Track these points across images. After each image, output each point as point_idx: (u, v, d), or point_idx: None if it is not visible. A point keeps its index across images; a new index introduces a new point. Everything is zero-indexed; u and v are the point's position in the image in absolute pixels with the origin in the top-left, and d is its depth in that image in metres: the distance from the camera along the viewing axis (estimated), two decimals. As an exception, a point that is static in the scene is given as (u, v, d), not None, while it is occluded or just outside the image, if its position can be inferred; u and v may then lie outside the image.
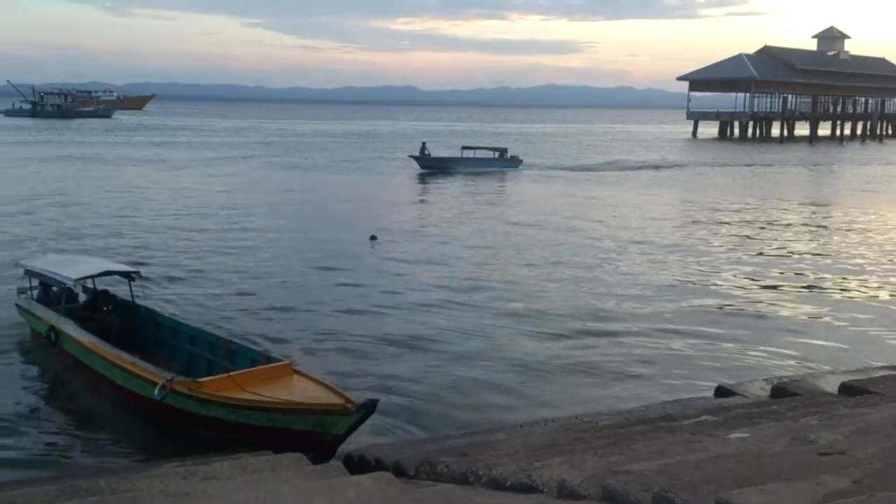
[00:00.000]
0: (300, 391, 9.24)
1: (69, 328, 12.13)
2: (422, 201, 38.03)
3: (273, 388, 9.18)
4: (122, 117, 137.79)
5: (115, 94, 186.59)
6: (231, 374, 9.70)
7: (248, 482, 6.77)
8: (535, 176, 49.96)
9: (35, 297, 13.93)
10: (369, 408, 8.45)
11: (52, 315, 12.76)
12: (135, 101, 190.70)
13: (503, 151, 52.79)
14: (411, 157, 52.12)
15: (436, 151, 54.03)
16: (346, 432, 8.57)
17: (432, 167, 50.00)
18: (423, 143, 53.20)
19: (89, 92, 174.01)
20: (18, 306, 14.19)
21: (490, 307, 17.00)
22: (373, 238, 25.05)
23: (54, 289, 13.69)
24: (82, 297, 14.16)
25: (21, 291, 14.34)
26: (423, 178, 47.14)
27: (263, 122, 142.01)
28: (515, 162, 52.65)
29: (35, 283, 14.08)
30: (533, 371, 12.94)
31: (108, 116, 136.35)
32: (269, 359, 10.56)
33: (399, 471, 6.94)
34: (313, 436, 8.56)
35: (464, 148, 52.38)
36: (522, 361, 13.41)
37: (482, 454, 6.86)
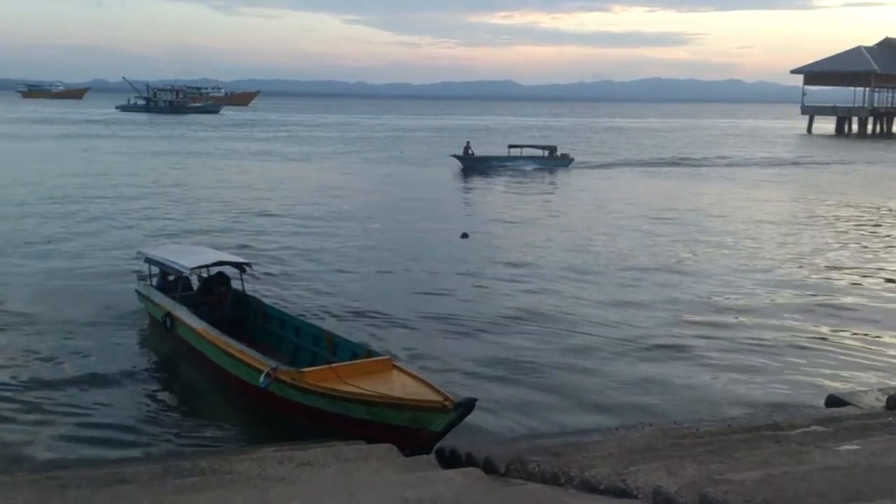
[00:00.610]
0: (399, 386, 9.36)
1: (184, 315, 12.76)
2: (499, 198, 37.63)
3: (373, 382, 9.36)
4: (229, 113, 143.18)
5: (222, 90, 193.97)
6: (333, 365, 9.96)
7: (341, 470, 6.93)
8: (596, 174, 48.92)
9: (154, 284, 14.72)
10: (467, 406, 8.47)
11: (169, 302, 13.45)
12: (241, 98, 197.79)
13: (553, 150, 52.01)
14: (454, 156, 51.44)
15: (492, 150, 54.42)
16: (443, 430, 8.62)
17: (474, 166, 49.53)
18: (467, 143, 52.79)
19: (199, 88, 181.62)
20: (138, 292, 15.05)
21: (589, 307, 16.82)
22: (464, 236, 25.11)
23: (171, 277, 14.40)
24: (197, 286, 14.87)
25: (141, 278, 15.21)
26: (466, 176, 46.65)
27: (363, 118, 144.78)
28: (566, 160, 51.56)
29: (154, 270, 14.86)
30: (630, 373, 12.73)
31: (217, 112, 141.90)
32: (370, 353, 10.78)
33: (489, 467, 6.94)
34: (410, 431, 8.66)
35: (511, 146, 51.81)
36: (619, 364, 13.22)
37: (575, 455, 6.79)
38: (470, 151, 50.49)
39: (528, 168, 48.99)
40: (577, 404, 11.43)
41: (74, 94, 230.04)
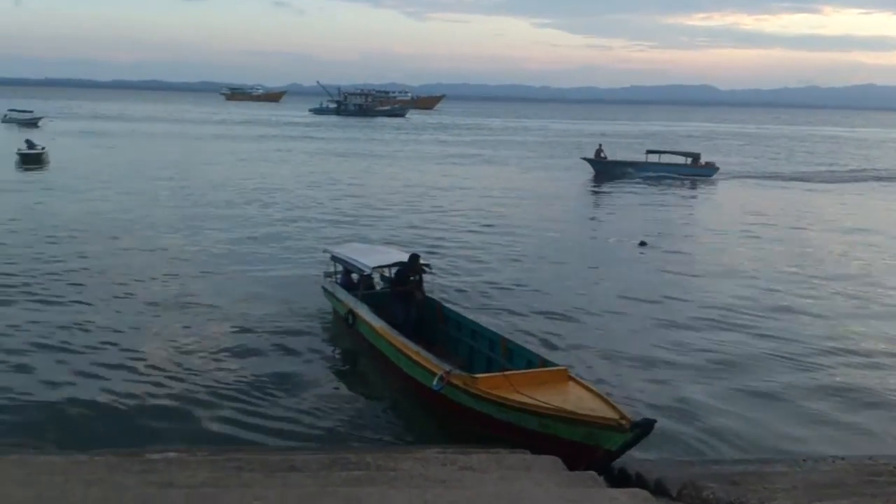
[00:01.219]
0: (574, 399, 9.19)
1: (365, 313, 13.31)
2: (650, 205, 36.17)
3: (546, 393, 9.23)
4: (414, 116, 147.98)
5: (409, 94, 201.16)
6: (506, 373, 9.97)
7: (503, 478, 6.92)
8: (752, 184, 45.73)
9: (338, 281, 15.46)
10: (645, 427, 8.14)
11: (352, 299, 14.09)
12: (426, 102, 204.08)
13: (696, 157, 49.23)
14: (584, 159, 49.89)
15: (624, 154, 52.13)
16: (618, 449, 8.35)
17: (607, 171, 47.75)
18: (599, 145, 50.90)
19: (387, 92, 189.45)
20: (324, 289, 15.89)
21: (776, 327, 15.85)
22: (642, 244, 24.40)
23: (354, 275, 15.04)
24: (379, 285, 15.47)
25: (327, 275, 16.05)
26: (598, 181, 45.31)
27: (547, 122, 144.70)
28: (710, 169, 48.70)
29: (339, 268, 15.61)
30: (822, 400, 11.83)
31: (403, 115, 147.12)
32: (545, 362, 10.69)
33: (660, 490, 6.67)
34: (583, 448, 8.47)
35: (648, 152, 49.66)
36: (808, 387, 12.37)
37: (755, 485, 6.38)
38: (602, 155, 49.18)
39: (667, 175, 47.11)
40: (757, 431, 10.76)
41: (272, 97, 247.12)
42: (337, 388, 12.37)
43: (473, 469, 7.31)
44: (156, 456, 8.40)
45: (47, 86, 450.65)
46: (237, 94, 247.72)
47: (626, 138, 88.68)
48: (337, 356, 14.12)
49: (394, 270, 15.10)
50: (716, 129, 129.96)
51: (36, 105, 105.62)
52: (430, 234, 25.94)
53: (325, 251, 16.56)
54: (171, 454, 8.57)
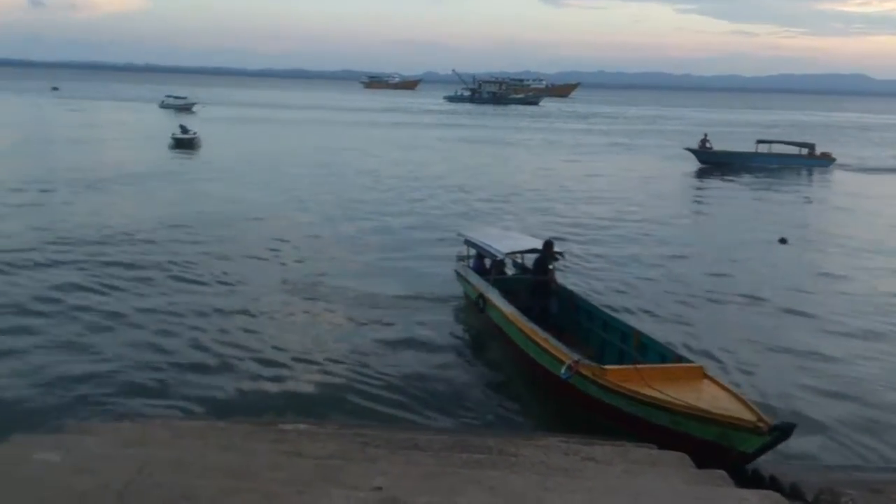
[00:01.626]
0: (708, 398, 8.88)
1: (495, 298, 13.33)
2: (771, 200, 33.96)
3: (679, 390, 8.97)
4: (548, 104, 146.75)
5: (543, 82, 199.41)
6: (638, 366, 9.75)
7: (627, 471, 6.77)
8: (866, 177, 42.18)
9: (471, 265, 15.59)
10: (784, 430, 7.78)
11: (483, 284, 14.16)
12: (561, 90, 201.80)
13: (811, 147, 45.89)
14: (688, 149, 47.14)
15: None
16: (754, 452, 8.03)
17: (713, 162, 45.15)
18: (705, 135, 47.94)
19: (521, 80, 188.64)
20: (456, 272, 16.09)
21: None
22: (782, 241, 23.17)
23: (486, 260, 15.12)
24: (510, 270, 15.42)
25: (460, 258, 16.20)
26: (703, 172, 42.85)
27: (686, 111, 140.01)
28: (827, 160, 45.42)
29: (472, 252, 15.74)
30: None
31: (536, 103, 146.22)
32: (679, 358, 10.40)
33: (795, 494, 6.35)
34: (716, 448, 8.19)
35: (759, 142, 46.51)
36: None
37: (902, 496, 5.95)
38: (708, 145, 46.64)
39: (779, 167, 44.45)
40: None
41: (408, 85, 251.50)
42: (463, 372, 12.48)
43: (596, 460, 7.19)
44: (288, 427, 8.76)
45: (200, 74, 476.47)
46: (375, 82, 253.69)
47: (767, 128, 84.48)
48: (465, 340, 14.23)
49: (526, 257, 15.10)
50: (864, 119, 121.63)
51: (190, 92, 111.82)
52: (558, 221, 25.69)
53: (458, 235, 16.69)
54: (302, 426, 8.91)
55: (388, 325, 14.39)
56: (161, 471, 5.76)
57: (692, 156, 46.30)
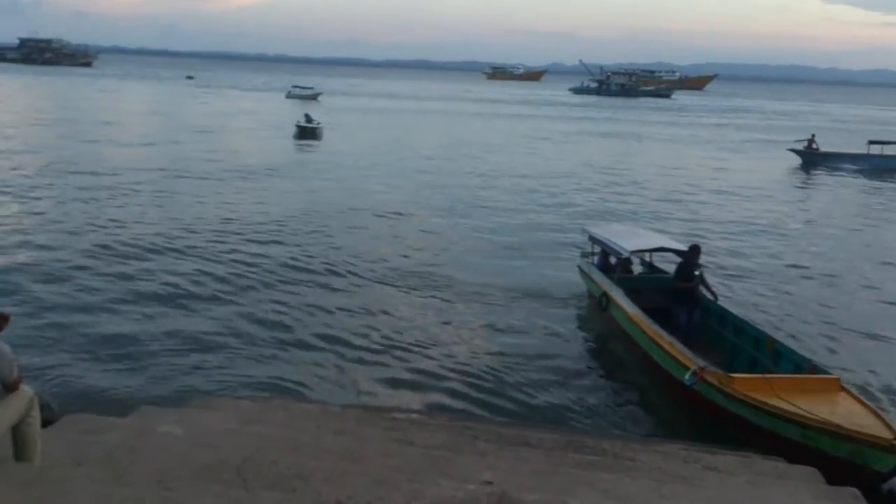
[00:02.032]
0: (843, 412, 8.50)
1: (619, 297, 13.11)
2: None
3: (812, 402, 8.61)
4: (680, 97, 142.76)
5: (677, 74, 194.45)
6: (768, 376, 9.43)
7: (751, 483, 6.53)
8: None
9: (595, 262, 15.40)
10: None
11: (607, 282, 13.94)
12: (695, 82, 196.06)
13: None
14: (792, 150, 44.27)
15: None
16: (890, 471, 7.72)
17: (817, 162, 42.34)
18: (812, 136, 44.61)
19: (652, 72, 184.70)
20: (580, 268, 15.94)
21: None
22: None
23: (612, 257, 14.86)
24: (637, 269, 15.17)
25: (584, 255, 16.03)
26: (807, 172, 40.32)
27: (832, 107, 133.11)
28: None
29: (596, 249, 15.53)
30: None
31: (668, 96, 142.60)
32: (815, 368, 9.95)
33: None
34: (849, 466, 7.86)
35: (871, 142, 42.80)
36: None
37: None
38: (814, 146, 43.95)
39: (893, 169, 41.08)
40: None
41: (533, 76, 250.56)
42: (581, 371, 12.34)
43: (718, 470, 6.97)
44: (400, 415, 8.93)
45: (328, 64, 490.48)
46: (498, 73, 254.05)
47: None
48: (586, 339, 14.09)
49: (654, 256, 14.76)
50: None
51: (316, 82, 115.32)
52: (684, 221, 24.97)
53: (583, 231, 16.49)
54: (414, 415, 9.07)
55: (505, 320, 14.39)
56: (277, 449, 5.98)
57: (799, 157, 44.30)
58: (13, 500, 4.17)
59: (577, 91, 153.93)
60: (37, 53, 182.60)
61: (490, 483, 5.59)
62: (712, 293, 12.73)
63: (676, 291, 12.55)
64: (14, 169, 28.94)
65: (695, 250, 12.69)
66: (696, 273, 12.61)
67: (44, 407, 5.39)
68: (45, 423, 5.21)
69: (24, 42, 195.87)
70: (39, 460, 4.95)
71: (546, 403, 10.88)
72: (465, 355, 12.52)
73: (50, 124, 48.22)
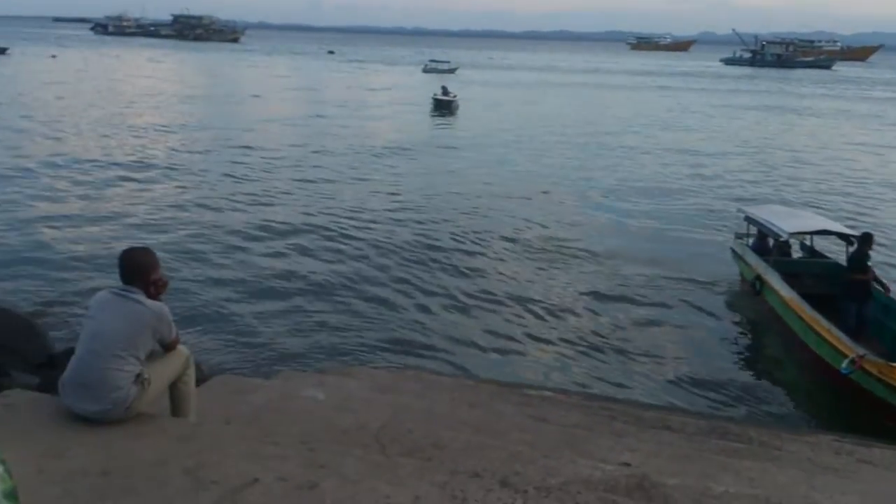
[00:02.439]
0: None
1: (774, 281, 12.65)
2: None
3: None
4: (842, 69, 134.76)
5: (838, 44, 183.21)
6: None
7: (911, 479, 6.20)
8: None
9: (750, 244, 14.91)
10: None
11: (762, 265, 13.47)
12: (857, 52, 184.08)
13: None
14: None
15: None
16: None
17: None
18: None
19: (811, 42, 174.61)
20: (732, 250, 15.49)
21: None
22: None
23: (769, 239, 14.32)
24: (797, 253, 14.63)
25: (738, 236, 15.53)
26: None
27: None
28: None
29: (752, 230, 15.04)
30: None
31: (828, 67, 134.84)
32: None
33: None
34: None
35: None
36: None
37: None
38: None
39: None
40: None
41: (680, 46, 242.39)
42: (727, 356, 12.04)
43: (874, 464, 6.65)
44: (532, 392, 8.99)
45: (466, 37, 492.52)
46: (643, 43, 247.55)
47: None
48: (735, 323, 13.65)
49: (814, 238, 14.22)
50: None
51: (453, 56, 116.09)
52: (844, 205, 23.62)
53: (738, 211, 15.96)
54: (547, 393, 9.10)
55: (649, 301, 14.19)
56: (413, 418, 6.17)
57: None
58: (172, 453, 4.51)
59: (730, 62, 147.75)
60: (188, 30, 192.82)
61: (628, 465, 5.56)
62: (883, 285, 11.98)
63: (849, 283, 11.73)
64: (171, 145, 30.85)
65: (867, 239, 11.89)
66: (868, 264, 11.85)
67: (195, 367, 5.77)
68: (196, 382, 5.57)
69: (176, 18, 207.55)
70: (194, 417, 5.32)
71: (687, 387, 10.69)
72: (603, 335, 12.48)
73: (204, 98, 51.20)
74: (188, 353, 5.34)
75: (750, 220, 14.78)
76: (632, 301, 14.16)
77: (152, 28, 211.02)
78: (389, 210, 20.69)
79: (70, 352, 5.39)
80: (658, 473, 5.28)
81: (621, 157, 31.77)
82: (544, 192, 24.01)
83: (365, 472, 4.38)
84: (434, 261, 16.25)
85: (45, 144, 28.69)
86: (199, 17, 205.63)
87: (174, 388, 5.28)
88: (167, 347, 5.20)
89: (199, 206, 20.32)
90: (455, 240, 17.89)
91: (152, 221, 18.57)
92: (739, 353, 12.31)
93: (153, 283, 5.10)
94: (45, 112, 38.42)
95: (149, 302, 5.00)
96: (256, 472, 4.29)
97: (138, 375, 4.93)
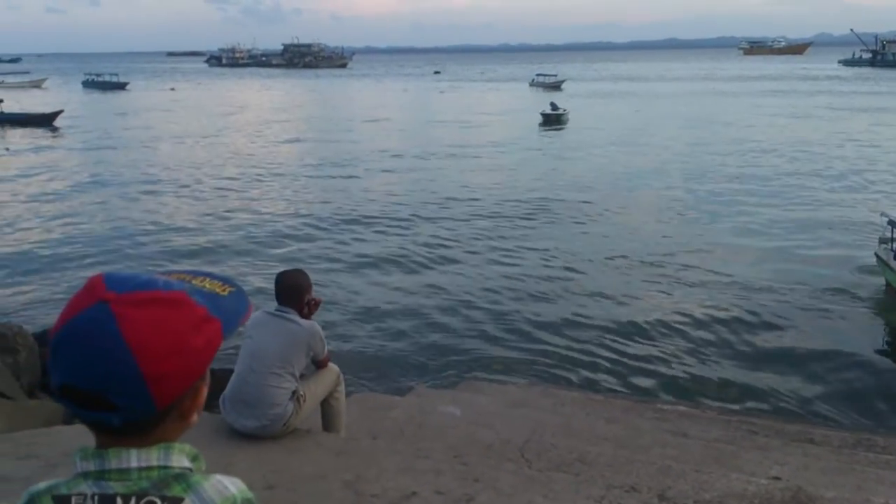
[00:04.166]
0: None
1: None
2: None
3: None
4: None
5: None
6: None
7: None
8: None
9: (894, 249, 14.28)
10: None
11: None
12: None
13: None
14: None
15: None
16: None
17: None
18: None
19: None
20: (877, 256, 14.80)
21: None
22: None
23: None
24: None
25: (882, 241, 14.83)
26: None
27: None
28: None
29: None
30: None
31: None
32: None
33: None
34: None
35: None
36: None
37: None
38: None
39: None
40: None
41: (796, 49, 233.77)
42: (869, 367, 11.45)
43: None
44: (667, 407, 8.85)
45: (570, 50, 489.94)
46: (756, 47, 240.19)
47: None
48: (881, 333, 13.02)
49: None
50: None
51: (559, 69, 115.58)
52: None
53: (882, 215, 15.29)
54: (682, 407, 8.94)
55: (785, 310, 13.66)
56: (553, 433, 6.19)
57: None
58: (331, 467, 4.69)
59: (849, 63, 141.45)
60: (298, 58, 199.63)
61: (778, 479, 5.42)
62: None
63: None
64: (288, 160, 32.02)
65: None
66: None
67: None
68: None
69: (286, 48, 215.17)
70: (344, 432, 5.51)
71: (827, 400, 10.25)
72: (735, 346, 12.13)
73: (318, 120, 52.81)
74: (338, 370, 5.54)
75: (894, 224, 14.12)
76: (765, 311, 13.64)
77: (264, 58, 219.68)
78: (502, 226, 20.60)
79: (224, 370, 5.69)
80: (812, 486, 5.13)
81: (740, 164, 30.82)
82: (657, 199, 23.62)
83: (519, 486, 4.44)
84: (556, 278, 16.14)
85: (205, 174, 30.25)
86: (309, 45, 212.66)
87: (326, 405, 5.49)
88: (319, 365, 5.42)
89: (320, 223, 20.97)
90: (569, 254, 17.71)
91: (291, 233, 19.52)
92: (880, 364, 11.68)
93: (307, 304, 5.34)
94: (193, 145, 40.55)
95: (303, 321, 5.24)
96: (413, 486, 4.41)
97: (294, 392, 5.16)
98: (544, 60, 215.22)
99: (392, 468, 4.68)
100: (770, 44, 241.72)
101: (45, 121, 47.73)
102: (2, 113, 48.74)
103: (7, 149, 38.03)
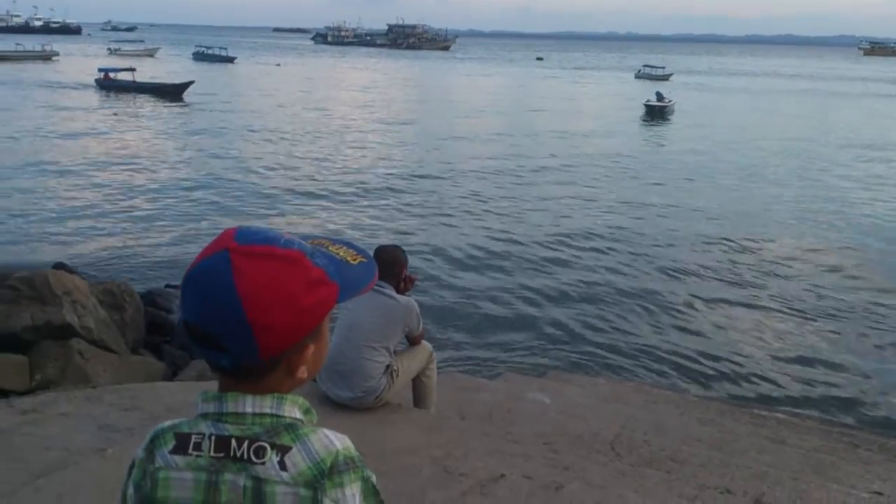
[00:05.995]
0: None
1: None
2: None
3: None
4: None
5: None
6: None
7: None
8: None
9: None
10: None
11: None
12: None
13: None
14: None
15: None
16: None
17: None
18: None
19: None
20: None
21: None
22: None
23: None
24: None
25: None
26: None
27: None
28: None
29: None
30: None
31: None
32: None
33: None
34: None
35: None
36: None
37: None
38: None
39: None
40: None
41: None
42: None
43: None
44: (763, 413, 8.58)
45: (679, 41, 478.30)
46: (878, 48, 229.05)
47: None
48: None
49: None
50: None
51: (667, 60, 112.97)
52: None
53: None
54: (779, 415, 8.65)
55: (879, 324, 13.11)
56: (643, 430, 6.10)
57: None
58: (421, 443, 4.75)
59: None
60: (402, 38, 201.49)
61: (881, 494, 5.21)
62: None
63: None
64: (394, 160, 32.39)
65: None
66: None
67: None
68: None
69: (391, 28, 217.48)
70: (434, 409, 5.57)
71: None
72: (841, 356, 11.67)
73: (423, 103, 53.25)
74: (431, 348, 5.60)
75: None
76: (871, 319, 13.14)
77: (368, 38, 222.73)
78: (615, 226, 20.11)
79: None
80: (918, 506, 4.92)
81: (861, 173, 29.56)
82: (757, 213, 22.87)
83: (609, 478, 4.39)
84: (661, 278, 15.83)
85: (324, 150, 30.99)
86: (413, 26, 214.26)
87: (417, 381, 5.56)
88: (413, 341, 5.48)
89: (439, 209, 21.14)
90: (679, 260, 17.31)
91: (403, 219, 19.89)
92: None
93: (404, 279, 5.41)
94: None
95: (400, 297, 5.30)
96: (502, 468, 4.42)
97: (388, 366, 5.24)
98: (652, 51, 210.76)
99: (481, 449, 4.71)
100: (893, 45, 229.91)
101: (176, 91, 49.49)
102: (135, 82, 51.55)
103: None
